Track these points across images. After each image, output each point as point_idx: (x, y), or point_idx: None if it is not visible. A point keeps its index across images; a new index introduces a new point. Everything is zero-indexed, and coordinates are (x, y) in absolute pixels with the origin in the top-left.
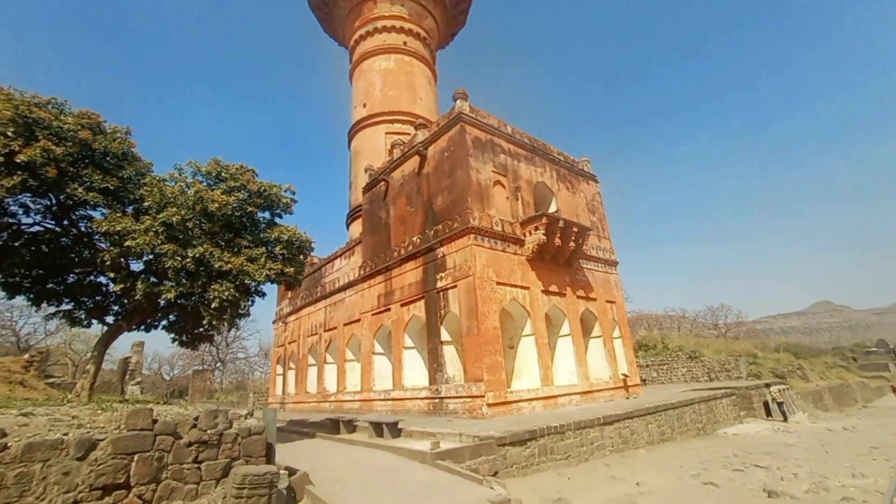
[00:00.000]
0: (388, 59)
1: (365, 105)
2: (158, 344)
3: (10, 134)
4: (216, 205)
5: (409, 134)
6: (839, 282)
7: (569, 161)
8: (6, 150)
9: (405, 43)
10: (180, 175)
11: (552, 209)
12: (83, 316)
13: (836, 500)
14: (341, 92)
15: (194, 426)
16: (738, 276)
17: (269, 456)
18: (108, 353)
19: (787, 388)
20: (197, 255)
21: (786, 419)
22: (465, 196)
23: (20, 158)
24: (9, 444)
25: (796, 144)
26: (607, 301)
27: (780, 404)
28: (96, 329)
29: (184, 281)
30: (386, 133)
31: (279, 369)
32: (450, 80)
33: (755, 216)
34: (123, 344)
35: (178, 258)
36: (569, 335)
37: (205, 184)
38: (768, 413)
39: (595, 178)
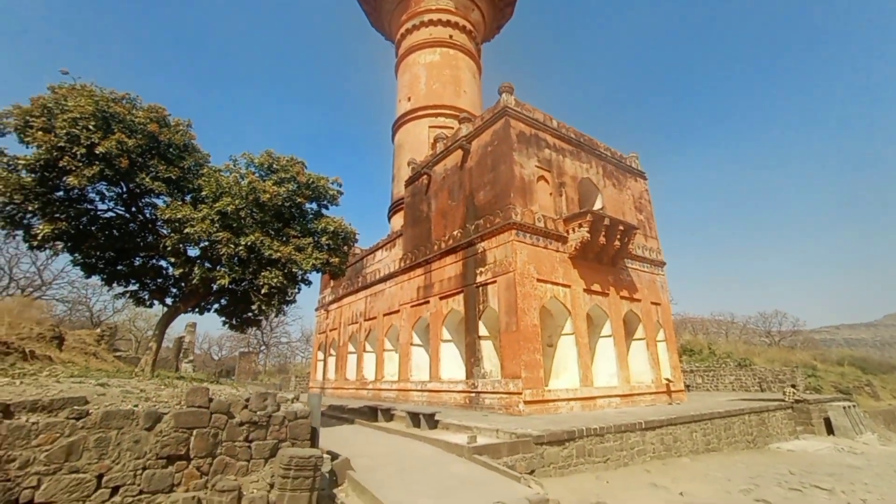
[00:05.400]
0: (434, 53)
1: (409, 99)
2: (209, 325)
3: (91, 128)
4: (267, 195)
5: (452, 128)
6: None
7: (616, 157)
8: (88, 143)
9: (451, 36)
10: (235, 166)
11: (597, 206)
12: (146, 297)
13: None
14: (386, 86)
15: (245, 407)
16: (797, 281)
17: (314, 440)
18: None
19: (854, 406)
20: (248, 244)
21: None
22: (507, 191)
23: (98, 150)
24: (90, 411)
25: (870, 140)
26: (652, 303)
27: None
28: (156, 309)
29: (236, 267)
30: (429, 127)
31: (320, 355)
32: (495, 74)
33: (817, 217)
34: (178, 324)
35: (232, 245)
36: (610, 336)
37: (257, 175)
38: (830, 430)
39: (644, 174)
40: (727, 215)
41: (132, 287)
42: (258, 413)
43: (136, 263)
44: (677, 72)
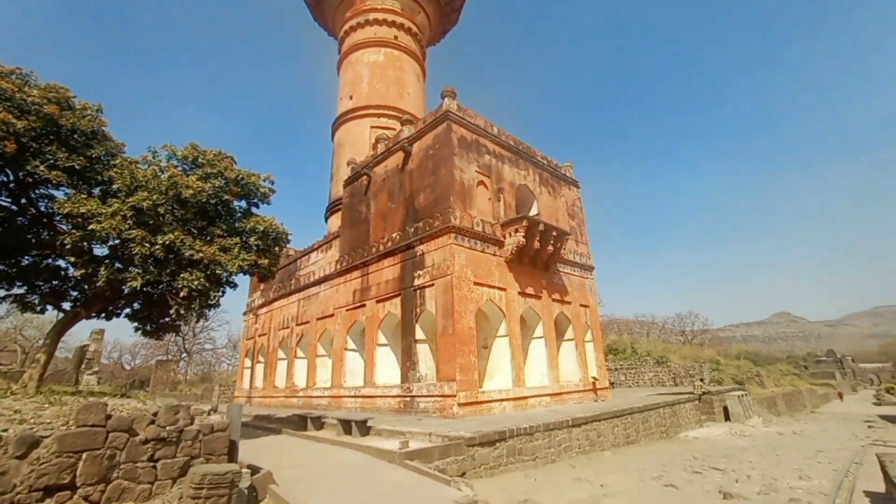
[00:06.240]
0: (378, 53)
1: (351, 97)
2: (120, 332)
3: None
4: (191, 191)
5: (394, 129)
6: (798, 294)
7: (552, 165)
8: None
9: (396, 37)
10: (154, 158)
11: (533, 212)
12: (37, 301)
13: (784, 501)
14: (327, 82)
15: (152, 422)
16: (706, 285)
17: (232, 454)
18: (63, 340)
19: (746, 395)
20: (167, 243)
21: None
22: (447, 195)
23: None
24: None
25: (764, 163)
26: (581, 305)
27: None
28: (52, 315)
29: (151, 268)
30: (371, 127)
31: (247, 362)
32: (439, 78)
33: (724, 230)
34: (81, 331)
35: (147, 244)
36: (542, 337)
37: (180, 168)
38: (727, 417)
39: (576, 183)
40: (651, 223)
41: (18, 290)
42: (167, 428)
43: (25, 263)
44: (607, 90)
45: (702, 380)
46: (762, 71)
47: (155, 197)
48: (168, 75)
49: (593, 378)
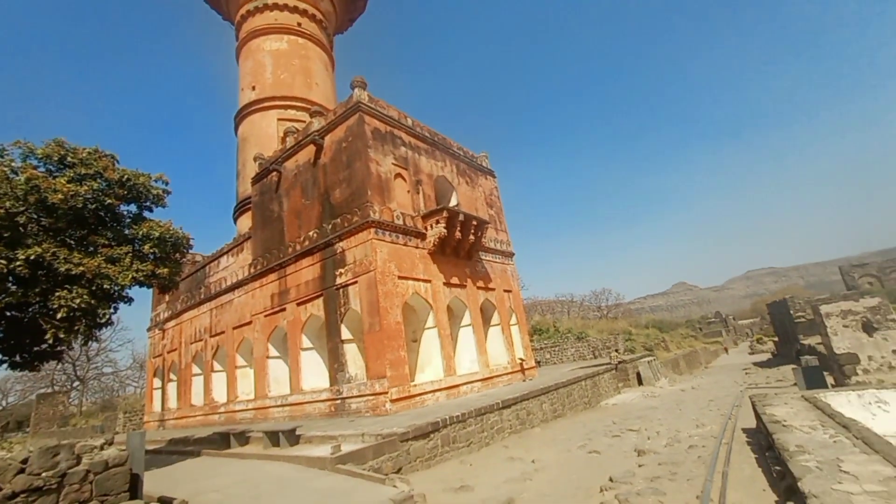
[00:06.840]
0: (281, 40)
1: (254, 88)
2: None
3: None
4: (60, 196)
5: (303, 121)
6: (691, 265)
7: (468, 156)
8: None
9: (299, 24)
10: (3, 157)
11: (453, 203)
12: None
13: (685, 448)
14: (226, 70)
15: (22, 471)
16: (617, 262)
17: (135, 490)
18: None
19: (654, 360)
20: (32, 257)
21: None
22: (364, 188)
23: None
24: None
25: (658, 152)
26: (505, 290)
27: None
28: None
29: (12, 288)
30: (278, 119)
31: (157, 382)
32: (348, 69)
33: (629, 210)
34: None
35: (3, 261)
36: (469, 325)
37: (42, 170)
38: (640, 382)
39: (493, 173)
40: (565, 207)
41: None
42: (43, 475)
43: None
44: (521, 76)
45: (617, 350)
46: (674, 65)
47: (9, 203)
48: (16, 63)
49: (520, 359)
